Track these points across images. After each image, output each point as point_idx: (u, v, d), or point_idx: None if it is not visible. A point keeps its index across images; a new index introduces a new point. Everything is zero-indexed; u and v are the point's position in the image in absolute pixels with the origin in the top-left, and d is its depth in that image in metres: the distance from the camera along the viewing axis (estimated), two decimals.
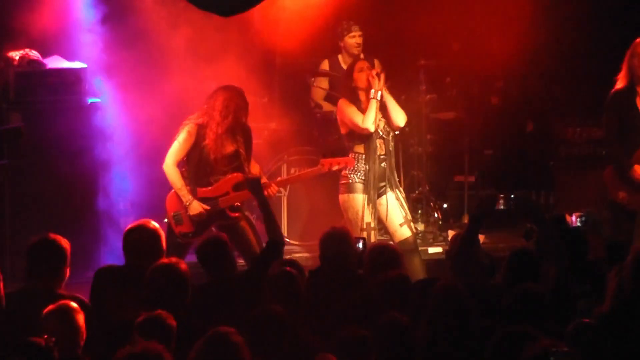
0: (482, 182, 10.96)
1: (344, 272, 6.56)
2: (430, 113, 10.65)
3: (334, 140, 9.94)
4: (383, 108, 8.43)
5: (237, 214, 8.34)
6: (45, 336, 5.10)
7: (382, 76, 8.41)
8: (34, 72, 9.27)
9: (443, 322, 5.37)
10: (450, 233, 9.81)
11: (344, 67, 10.02)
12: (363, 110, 8.41)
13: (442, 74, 10.96)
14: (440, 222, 10.44)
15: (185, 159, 8.32)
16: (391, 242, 8.22)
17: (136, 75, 9.77)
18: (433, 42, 11.22)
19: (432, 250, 9.86)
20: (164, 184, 8.74)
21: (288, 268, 6.15)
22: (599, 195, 9.79)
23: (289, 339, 5.24)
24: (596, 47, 10.75)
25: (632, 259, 5.69)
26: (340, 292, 6.24)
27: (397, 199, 8.50)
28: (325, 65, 10.31)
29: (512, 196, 10.33)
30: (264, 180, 8.40)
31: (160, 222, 7.88)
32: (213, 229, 8.38)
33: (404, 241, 8.37)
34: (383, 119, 8.47)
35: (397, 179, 8.68)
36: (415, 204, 10.34)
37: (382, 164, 8.46)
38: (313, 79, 10.34)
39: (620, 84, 8.49)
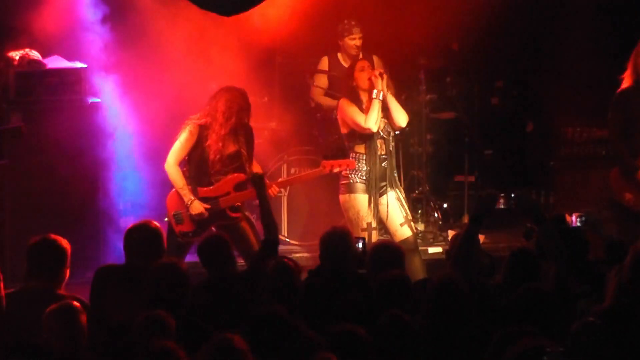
0: (482, 182, 10.96)
1: (344, 272, 6.56)
2: (430, 113, 10.65)
3: (334, 140, 9.94)
4: (384, 108, 8.43)
5: (237, 214, 8.34)
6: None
7: (385, 76, 8.41)
8: (34, 72, 9.27)
9: (439, 316, 5.38)
10: (450, 233, 9.81)
11: (344, 65, 10.03)
12: (364, 110, 8.41)
13: (442, 74, 10.96)
14: (440, 222, 10.44)
15: (186, 158, 8.33)
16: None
17: (136, 75, 9.77)
18: (433, 42, 11.23)
19: (432, 250, 9.86)
20: (164, 184, 8.75)
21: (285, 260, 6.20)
22: (599, 195, 9.80)
23: (290, 338, 5.23)
24: (596, 47, 10.74)
25: (630, 258, 5.69)
26: (340, 292, 6.24)
27: (398, 198, 8.50)
28: (324, 63, 10.30)
29: (513, 195, 10.35)
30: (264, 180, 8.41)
31: (160, 221, 7.90)
32: (213, 229, 8.39)
33: (405, 241, 8.37)
34: (384, 119, 8.47)
35: (398, 179, 8.68)
36: (415, 204, 10.35)
37: (383, 164, 8.46)
38: (312, 79, 10.33)
39: (625, 83, 8.43)
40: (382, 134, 8.46)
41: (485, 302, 5.87)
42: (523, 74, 11.55)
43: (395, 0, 11.18)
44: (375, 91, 8.37)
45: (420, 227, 10.18)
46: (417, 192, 10.53)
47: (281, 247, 9.78)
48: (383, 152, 8.47)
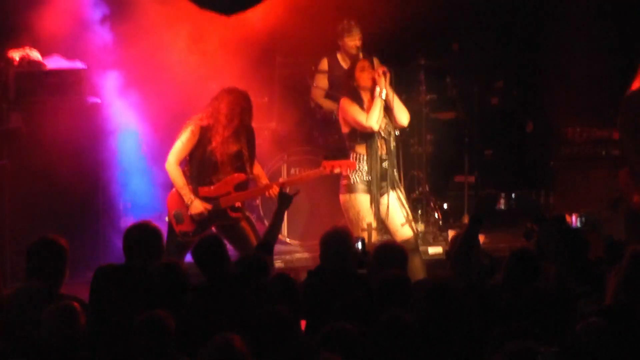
0: (482, 182, 10.96)
1: (344, 272, 6.56)
2: (430, 113, 10.65)
3: (334, 140, 9.94)
4: (386, 107, 8.43)
5: (237, 214, 8.34)
6: None
7: (388, 75, 8.41)
8: (34, 72, 9.27)
9: (431, 317, 5.39)
10: (450, 233, 9.81)
11: (343, 65, 10.03)
12: (365, 110, 8.41)
13: (442, 74, 10.96)
14: (440, 222, 10.44)
15: (187, 158, 8.33)
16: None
17: (136, 75, 9.78)
18: (433, 42, 11.24)
19: (432, 250, 9.86)
20: (164, 184, 8.75)
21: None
22: (599, 195, 9.80)
23: (291, 339, 5.23)
24: (597, 47, 10.75)
25: (627, 260, 5.70)
26: (340, 292, 6.24)
27: (398, 198, 8.50)
28: (324, 63, 10.31)
29: (513, 195, 10.35)
30: (265, 181, 8.41)
31: (160, 221, 7.90)
32: (213, 228, 8.39)
33: (406, 241, 8.37)
34: (385, 119, 8.47)
35: (398, 179, 8.68)
36: (415, 204, 10.34)
37: (384, 164, 8.46)
38: (312, 80, 10.33)
39: (638, 83, 8.39)
40: (382, 134, 8.46)
41: (485, 302, 5.87)
42: (523, 74, 11.56)
43: (396, 0, 11.19)
44: (378, 89, 8.37)
45: (420, 227, 10.17)
46: (417, 192, 10.53)
47: (281, 247, 9.82)
48: (384, 152, 8.47)
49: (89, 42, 9.60)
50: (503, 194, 10.45)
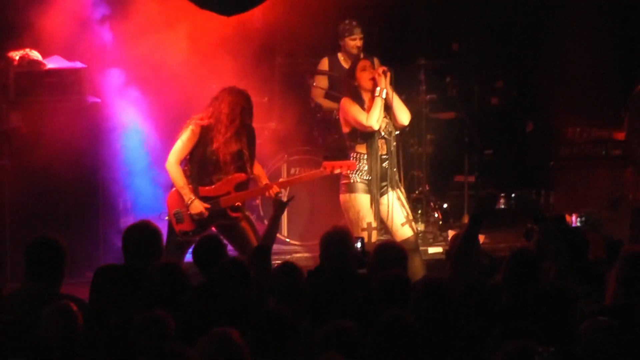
0: (482, 182, 10.96)
1: (344, 272, 6.56)
2: (430, 113, 10.65)
3: (334, 140, 9.94)
4: (387, 107, 8.43)
5: (237, 214, 8.35)
6: None
7: (389, 74, 8.41)
8: (34, 72, 9.26)
9: (428, 318, 5.39)
10: (450, 233, 9.80)
11: (344, 65, 10.04)
12: (366, 109, 8.41)
13: (442, 74, 10.97)
14: (440, 222, 10.44)
15: (187, 158, 8.33)
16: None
17: (136, 75, 9.78)
18: (433, 42, 11.24)
19: (432, 250, 9.86)
20: (164, 184, 8.75)
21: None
22: (599, 195, 9.80)
23: (293, 339, 5.23)
24: (597, 47, 10.75)
25: (621, 261, 5.71)
26: (340, 292, 6.24)
27: (399, 198, 8.50)
28: (324, 63, 10.31)
29: (513, 195, 10.34)
30: (265, 181, 8.41)
31: (160, 221, 7.90)
32: (213, 228, 8.39)
33: (406, 241, 8.37)
34: (385, 119, 8.47)
35: (398, 179, 8.68)
36: (415, 204, 10.34)
37: (384, 164, 8.46)
38: (312, 79, 10.33)
39: None
40: (383, 134, 8.46)
41: (485, 302, 5.87)
42: (523, 74, 11.56)
43: (396, 0, 11.20)
44: (378, 89, 8.37)
45: (420, 227, 10.17)
46: (417, 192, 10.53)
47: (281, 247, 9.82)
48: (384, 152, 8.47)
49: (89, 42, 9.60)
50: (503, 194, 10.44)
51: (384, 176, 8.45)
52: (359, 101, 8.47)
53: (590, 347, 4.89)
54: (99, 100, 9.47)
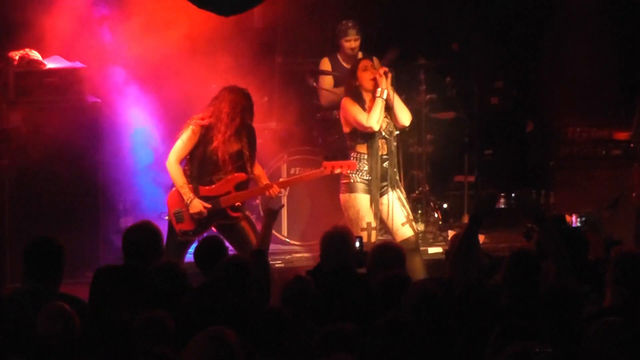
0: (482, 182, 10.96)
1: (344, 272, 6.56)
2: (430, 113, 10.65)
3: (334, 140, 9.94)
4: (387, 107, 8.43)
5: (237, 214, 8.35)
6: None
7: (390, 75, 8.41)
8: (33, 71, 9.26)
9: (423, 317, 5.40)
10: (450, 233, 9.80)
11: (344, 65, 10.03)
12: (367, 109, 8.41)
13: (442, 74, 10.97)
14: (440, 222, 10.44)
15: (188, 157, 8.33)
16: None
17: (135, 75, 9.78)
18: (433, 42, 11.24)
19: (432, 250, 9.86)
20: (165, 183, 8.75)
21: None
22: (599, 195, 9.80)
23: (293, 339, 5.23)
24: (596, 47, 10.75)
25: (612, 263, 5.71)
26: (340, 291, 6.24)
27: (399, 198, 8.50)
28: (325, 63, 10.30)
29: (513, 195, 10.34)
30: (265, 181, 8.41)
31: (160, 221, 7.90)
32: (213, 228, 8.39)
33: (406, 241, 8.38)
34: (386, 119, 8.47)
35: (398, 179, 8.68)
36: (415, 204, 10.34)
37: (384, 164, 8.46)
38: (315, 82, 10.31)
39: None
40: (383, 133, 8.46)
41: (485, 302, 5.86)
42: (523, 74, 11.56)
43: (396, 0, 11.20)
44: (379, 89, 8.37)
45: (420, 227, 10.17)
46: (417, 192, 10.53)
47: (281, 247, 9.82)
48: (384, 152, 8.47)
49: (89, 42, 9.60)
50: (503, 194, 10.44)
51: (384, 176, 8.46)
52: (360, 101, 8.47)
53: (599, 348, 4.88)
54: (99, 100, 9.46)
